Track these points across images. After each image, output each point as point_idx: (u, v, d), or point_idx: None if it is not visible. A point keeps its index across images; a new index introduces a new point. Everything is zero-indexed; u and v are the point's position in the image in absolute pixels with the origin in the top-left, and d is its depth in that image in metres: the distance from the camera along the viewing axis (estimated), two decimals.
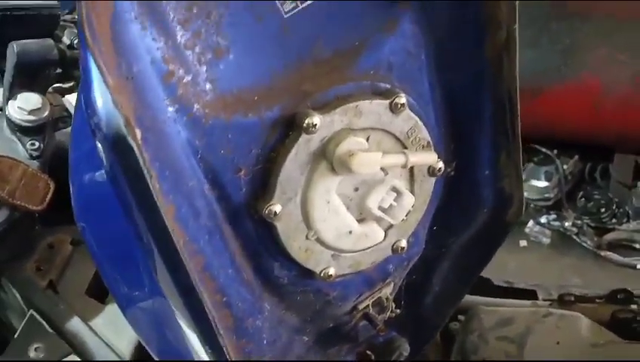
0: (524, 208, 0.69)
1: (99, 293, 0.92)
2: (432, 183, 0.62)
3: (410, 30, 0.55)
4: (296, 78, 0.52)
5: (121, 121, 0.42)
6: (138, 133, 0.42)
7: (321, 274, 0.59)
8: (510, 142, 0.63)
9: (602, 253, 2.76)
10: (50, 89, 0.94)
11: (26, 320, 0.86)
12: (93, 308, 0.92)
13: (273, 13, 0.50)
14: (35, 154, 0.86)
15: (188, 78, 0.47)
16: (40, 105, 0.86)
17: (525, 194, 0.68)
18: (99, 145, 0.45)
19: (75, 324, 0.91)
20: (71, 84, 0.97)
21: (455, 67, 0.58)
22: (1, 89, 0.88)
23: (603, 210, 2.90)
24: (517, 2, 0.53)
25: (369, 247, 0.60)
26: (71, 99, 0.96)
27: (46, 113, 0.86)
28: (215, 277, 0.53)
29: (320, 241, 0.57)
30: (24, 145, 0.86)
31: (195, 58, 0.47)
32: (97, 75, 0.41)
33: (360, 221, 0.58)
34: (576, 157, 2.99)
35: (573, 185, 3.03)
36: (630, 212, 2.86)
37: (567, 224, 2.91)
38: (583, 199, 2.99)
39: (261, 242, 0.56)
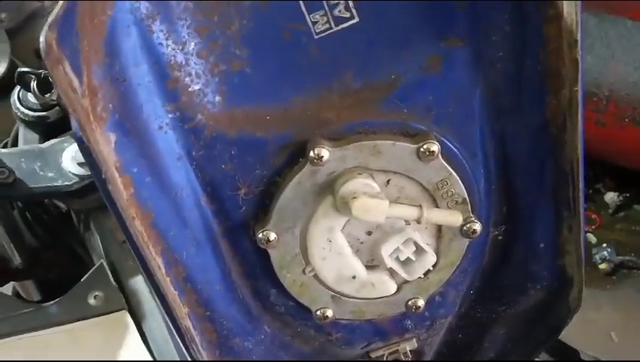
0: (582, 295, 0.58)
1: None
2: (465, 244, 0.54)
3: (459, 70, 0.47)
4: (317, 105, 0.48)
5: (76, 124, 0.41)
6: (112, 136, 0.42)
7: (317, 314, 0.55)
8: (573, 217, 0.53)
9: None
10: None
11: (94, 268, 0.93)
12: None
13: (303, 32, 0.46)
14: None
15: (195, 86, 0.46)
16: None
17: None
18: None
19: (139, 283, 0.96)
20: None
21: (512, 122, 0.50)
22: None
23: None
24: (580, 59, 0.43)
25: (376, 298, 0.55)
26: None
27: None
28: (198, 290, 0.52)
29: (318, 279, 0.53)
30: None
31: (207, 68, 0.45)
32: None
33: (369, 268, 0.53)
34: None
35: None
36: None
37: None
38: None
39: (258, 265, 0.54)
